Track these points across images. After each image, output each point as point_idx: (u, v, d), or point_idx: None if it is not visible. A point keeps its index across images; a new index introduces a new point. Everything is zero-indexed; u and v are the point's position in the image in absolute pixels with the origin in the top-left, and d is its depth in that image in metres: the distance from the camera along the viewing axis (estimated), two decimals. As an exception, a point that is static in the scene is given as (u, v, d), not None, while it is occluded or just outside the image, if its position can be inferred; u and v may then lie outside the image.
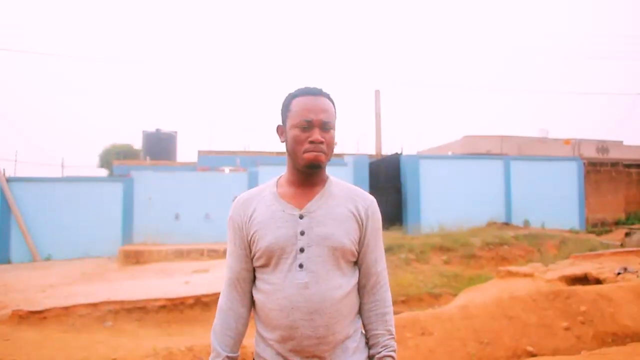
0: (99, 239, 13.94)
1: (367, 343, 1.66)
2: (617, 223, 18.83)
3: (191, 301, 7.25)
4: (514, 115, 65.06)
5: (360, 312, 1.68)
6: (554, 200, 16.87)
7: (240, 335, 1.70)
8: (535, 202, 16.62)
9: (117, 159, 22.73)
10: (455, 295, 8.33)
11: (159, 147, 22.31)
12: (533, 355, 4.76)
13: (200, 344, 5.27)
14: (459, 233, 12.87)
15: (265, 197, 1.68)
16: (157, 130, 22.85)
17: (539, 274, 7.46)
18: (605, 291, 5.73)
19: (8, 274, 10.63)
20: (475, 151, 20.23)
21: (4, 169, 14.16)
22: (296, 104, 1.63)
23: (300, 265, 1.55)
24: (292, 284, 1.55)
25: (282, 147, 1.79)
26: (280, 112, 1.70)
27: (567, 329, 5.11)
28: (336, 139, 1.68)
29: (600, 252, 9.32)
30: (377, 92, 19.00)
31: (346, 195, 1.66)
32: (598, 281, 6.85)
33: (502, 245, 11.96)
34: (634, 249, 9.37)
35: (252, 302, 1.69)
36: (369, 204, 1.67)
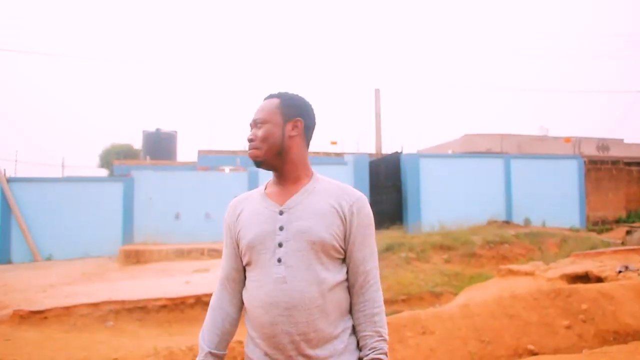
0: (99, 238, 13.95)
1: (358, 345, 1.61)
2: (618, 221, 18.81)
3: (192, 301, 7.26)
4: (514, 113, 65.10)
5: (351, 312, 1.62)
6: (554, 199, 16.86)
7: (228, 334, 1.71)
8: (536, 201, 16.61)
9: (117, 159, 22.75)
10: (456, 294, 8.33)
11: (159, 147, 22.33)
12: (534, 353, 4.75)
13: (201, 343, 5.26)
14: (460, 232, 12.86)
15: (254, 198, 1.72)
16: (157, 130, 22.86)
17: (540, 273, 7.46)
18: (607, 289, 5.72)
19: (9, 274, 10.64)
20: (476, 150, 20.23)
21: (4, 169, 14.18)
22: None
23: (279, 260, 1.55)
24: (271, 279, 1.55)
25: None
26: None
27: (568, 327, 5.10)
28: (294, 131, 1.66)
29: (601, 250, 9.31)
30: (377, 91, 19.00)
31: (330, 192, 1.63)
32: (599, 279, 6.84)
33: (502, 244, 11.94)
34: (635, 247, 9.37)
35: (242, 303, 1.70)
36: (355, 200, 1.62)
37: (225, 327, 1.70)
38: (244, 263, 1.67)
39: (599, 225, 18.16)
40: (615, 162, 19.80)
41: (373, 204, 1.76)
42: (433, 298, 8.50)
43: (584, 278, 7.07)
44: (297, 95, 1.74)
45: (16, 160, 27.40)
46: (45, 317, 6.49)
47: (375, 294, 1.60)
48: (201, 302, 7.28)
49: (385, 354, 1.57)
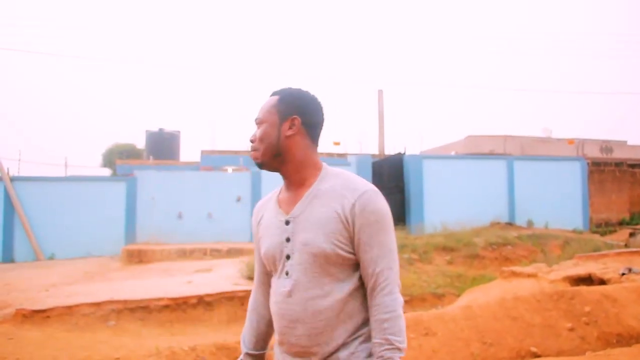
0: (102, 238, 13.97)
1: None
2: (621, 223, 18.76)
3: (194, 301, 7.25)
4: (517, 114, 64.99)
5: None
6: (557, 201, 16.81)
7: (264, 334, 1.76)
8: (539, 202, 16.56)
9: (120, 159, 22.77)
10: (458, 295, 8.31)
11: (162, 147, 22.34)
12: (537, 356, 4.74)
13: (203, 343, 5.26)
14: (462, 233, 12.84)
15: (271, 202, 1.69)
16: (160, 129, 22.89)
17: (543, 275, 7.43)
18: (610, 292, 5.70)
19: (11, 273, 10.66)
20: (479, 151, 20.19)
21: (7, 169, 14.20)
22: None
23: (287, 273, 1.54)
24: (279, 291, 1.56)
25: None
26: None
27: (571, 329, 5.09)
28: (292, 130, 1.58)
29: (604, 252, 9.29)
30: (380, 92, 18.98)
31: (335, 192, 1.53)
32: (602, 282, 6.82)
33: (505, 246, 11.92)
34: (639, 249, 9.34)
35: None
36: (357, 198, 1.49)
37: (260, 328, 1.75)
38: (268, 270, 1.69)
39: (602, 227, 18.11)
40: (618, 163, 19.75)
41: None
42: (435, 299, 8.49)
43: (587, 280, 7.04)
44: (298, 90, 1.65)
45: (19, 160, 27.55)
46: (48, 317, 6.50)
47: (385, 298, 1.48)
48: (203, 302, 7.28)
49: None
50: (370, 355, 1.50)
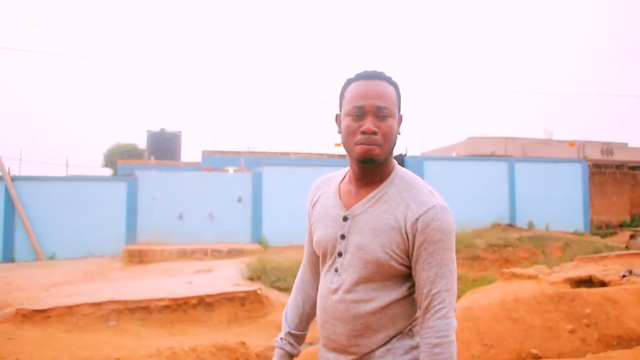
0: (102, 238, 13.97)
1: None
2: (622, 225, 18.75)
3: (194, 301, 7.25)
4: (518, 116, 64.96)
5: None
6: (558, 202, 16.82)
7: (307, 316, 1.71)
8: (540, 204, 16.57)
9: (121, 159, 22.78)
10: (459, 297, 8.30)
11: (163, 147, 22.34)
12: (537, 357, 4.73)
13: (204, 344, 5.27)
14: (463, 234, 12.83)
15: (331, 187, 1.60)
16: (162, 130, 22.89)
17: (543, 276, 7.43)
18: (610, 294, 5.69)
19: (12, 273, 10.66)
20: (480, 153, 20.18)
21: (9, 168, 14.21)
22: (350, 89, 1.48)
23: (336, 270, 1.50)
24: (326, 285, 1.53)
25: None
26: (338, 99, 1.55)
27: (571, 331, 5.08)
28: (400, 129, 1.49)
29: (604, 254, 9.28)
30: (382, 93, 18.98)
31: (401, 200, 1.44)
32: (603, 284, 6.82)
33: (506, 247, 11.92)
34: (639, 251, 9.33)
35: None
36: (422, 213, 1.40)
37: (305, 308, 1.71)
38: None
39: (603, 229, 18.10)
40: (619, 166, 19.73)
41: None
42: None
43: (588, 282, 7.04)
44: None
45: (21, 159, 27.52)
46: (48, 316, 6.50)
47: (439, 322, 1.37)
48: (204, 302, 7.28)
49: None
50: (406, 352, 1.46)
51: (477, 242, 11.98)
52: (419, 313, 1.45)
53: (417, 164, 15.89)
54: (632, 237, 12.53)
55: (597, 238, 14.74)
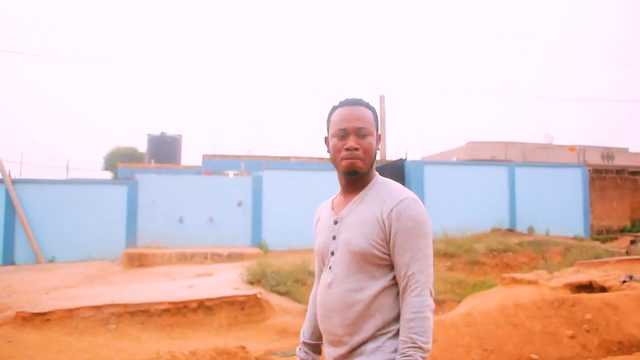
0: (103, 241, 13.98)
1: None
2: (623, 230, 18.73)
3: (194, 305, 7.24)
4: (519, 121, 65.01)
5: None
6: (558, 207, 16.82)
7: (319, 327, 1.85)
8: (540, 209, 16.57)
9: (121, 162, 22.83)
10: (459, 301, 8.30)
11: (164, 151, 22.38)
12: (537, 363, 4.72)
13: (203, 348, 5.26)
14: (463, 239, 12.83)
15: (328, 205, 1.86)
16: (162, 133, 22.94)
17: (544, 281, 7.42)
18: (611, 299, 5.69)
19: (12, 276, 10.66)
20: (480, 157, 20.19)
21: (9, 171, 14.23)
22: (335, 115, 1.74)
23: (330, 267, 1.70)
24: (322, 283, 1.73)
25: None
26: (326, 124, 1.82)
27: (572, 337, 5.08)
28: (378, 146, 1.75)
29: (605, 259, 9.27)
30: (382, 97, 19.01)
31: (378, 198, 1.67)
32: (603, 289, 6.80)
33: (506, 252, 11.91)
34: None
35: None
36: (395, 204, 1.62)
37: (317, 321, 1.85)
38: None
39: (603, 234, 18.08)
40: (620, 171, 19.73)
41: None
42: (436, 306, 8.41)
43: (588, 287, 7.03)
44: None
45: (21, 162, 27.53)
46: (48, 320, 6.49)
47: (414, 299, 1.57)
48: (203, 306, 7.27)
49: None
50: (395, 351, 1.59)
51: (477, 246, 11.97)
52: (400, 301, 1.62)
53: (417, 169, 15.90)
54: (632, 242, 12.51)
55: (597, 243, 14.72)
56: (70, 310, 6.70)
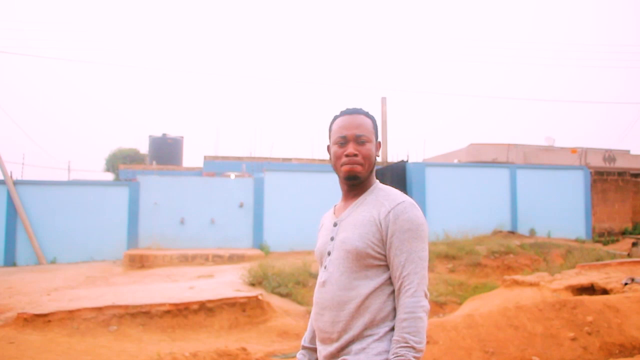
0: (104, 242, 13.99)
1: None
2: (624, 233, 18.71)
3: (196, 306, 7.25)
4: (520, 123, 64.96)
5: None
6: (560, 209, 16.80)
7: None
8: (541, 211, 16.55)
9: (123, 163, 22.84)
10: (460, 303, 8.29)
11: (165, 152, 22.42)
12: (539, 365, 4.72)
13: (204, 349, 5.26)
14: (465, 241, 12.82)
15: (331, 211, 1.92)
16: (164, 135, 22.98)
17: (545, 284, 7.41)
18: (612, 302, 5.68)
19: (13, 277, 10.67)
20: (481, 159, 20.18)
21: (11, 172, 14.25)
22: (336, 124, 1.82)
23: (325, 267, 1.75)
24: (318, 282, 1.78)
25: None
26: (328, 132, 1.91)
27: (573, 339, 5.07)
28: (378, 152, 1.82)
29: (606, 262, 9.25)
30: (384, 99, 19.01)
31: (377, 201, 1.72)
32: (605, 291, 6.80)
33: (507, 254, 11.90)
34: (641, 259, 9.29)
35: None
36: (393, 207, 1.66)
37: None
38: None
39: (605, 236, 18.06)
40: (621, 173, 19.71)
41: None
42: (437, 307, 8.47)
43: (590, 290, 7.02)
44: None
45: (23, 164, 27.56)
46: (49, 321, 6.50)
47: (408, 300, 1.58)
48: (205, 308, 7.27)
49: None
50: (379, 354, 1.60)
51: (479, 249, 11.96)
52: (395, 302, 1.64)
53: (418, 171, 15.89)
54: (634, 244, 12.46)
55: (599, 245, 14.71)
56: (72, 312, 6.70)
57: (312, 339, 1.91)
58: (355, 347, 1.62)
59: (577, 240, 15.51)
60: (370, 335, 1.62)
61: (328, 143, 1.89)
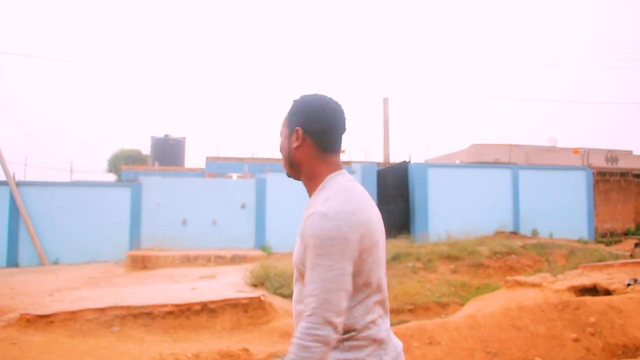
0: (106, 243, 14.00)
1: None
2: (627, 233, 18.67)
3: (198, 307, 7.25)
4: (522, 123, 64.90)
5: None
6: (562, 210, 16.77)
7: None
8: (544, 212, 16.53)
9: (125, 164, 22.87)
10: (462, 304, 8.29)
11: (167, 153, 22.44)
12: (541, 366, 4.71)
13: (207, 350, 5.26)
14: (467, 242, 12.81)
15: None
16: (166, 135, 23.00)
17: (547, 284, 7.40)
18: (615, 302, 5.67)
19: (16, 278, 10.69)
20: (484, 160, 20.16)
21: (14, 173, 14.28)
22: None
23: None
24: None
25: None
26: None
27: (576, 340, 5.06)
28: (295, 141, 1.62)
29: (609, 262, 9.23)
30: (386, 100, 19.02)
31: (308, 210, 1.56)
32: (607, 292, 6.78)
33: (510, 255, 11.89)
34: (644, 260, 9.28)
35: None
36: (305, 219, 1.50)
37: None
38: None
39: (608, 237, 18.02)
40: (624, 173, 19.67)
41: (380, 213, 1.64)
42: (439, 308, 8.47)
43: (592, 290, 7.01)
44: (304, 98, 1.65)
45: (25, 165, 27.63)
46: (51, 322, 6.50)
47: (302, 323, 1.41)
48: (207, 308, 7.27)
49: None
50: None
51: (481, 249, 11.95)
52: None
53: (420, 171, 15.89)
54: (637, 245, 12.44)
55: (601, 246, 14.68)
56: (74, 313, 6.71)
57: None
58: None
59: (579, 241, 15.49)
60: None
61: None
